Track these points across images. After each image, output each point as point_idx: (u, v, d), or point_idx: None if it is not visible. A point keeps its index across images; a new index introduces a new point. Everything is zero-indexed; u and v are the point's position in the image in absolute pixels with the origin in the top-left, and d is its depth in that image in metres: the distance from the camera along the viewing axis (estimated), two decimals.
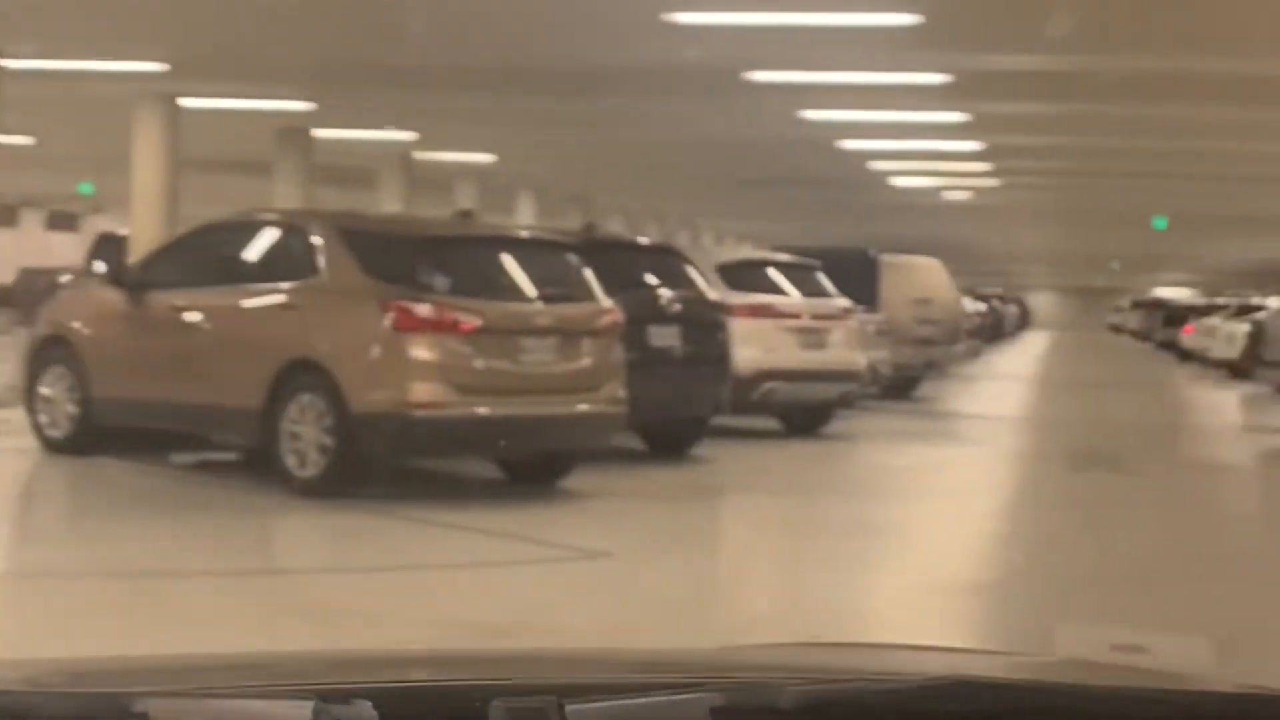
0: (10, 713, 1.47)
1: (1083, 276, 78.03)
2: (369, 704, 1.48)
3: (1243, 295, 43.66)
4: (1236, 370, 30.62)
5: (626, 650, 3.71)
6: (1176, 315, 43.23)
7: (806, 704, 1.56)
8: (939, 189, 31.13)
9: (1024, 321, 65.69)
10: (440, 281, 10.06)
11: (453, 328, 9.76)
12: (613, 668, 2.07)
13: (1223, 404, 25.75)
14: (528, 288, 10.49)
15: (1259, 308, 34.65)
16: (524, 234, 12.59)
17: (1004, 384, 28.96)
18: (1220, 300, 41.85)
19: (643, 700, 1.53)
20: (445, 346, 9.75)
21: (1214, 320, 35.83)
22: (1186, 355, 38.29)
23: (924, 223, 36.55)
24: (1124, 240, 45.04)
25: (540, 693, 1.52)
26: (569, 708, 1.49)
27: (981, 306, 39.61)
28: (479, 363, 9.86)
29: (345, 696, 1.49)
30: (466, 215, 12.92)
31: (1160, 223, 29.62)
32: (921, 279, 22.26)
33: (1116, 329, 67.39)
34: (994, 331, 44.51)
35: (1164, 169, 23.94)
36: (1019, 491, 13.10)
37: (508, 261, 10.66)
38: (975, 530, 10.72)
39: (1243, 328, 31.12)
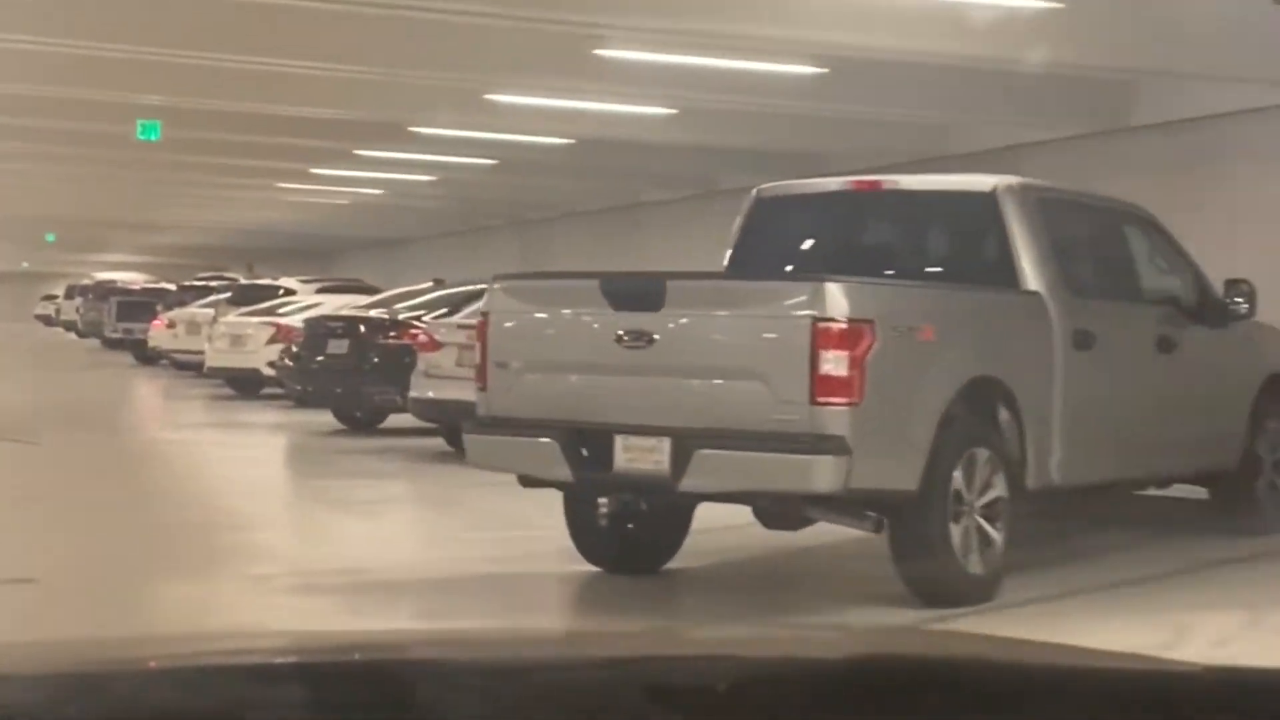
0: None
1: (10, 260, 66.78)
2: (301, 683, 1.45)
3: (226, 277, 33.17)
4: (254, 384, 20.25)
5: (561, 630, 3.26)
6: (139, 304, 32.13)
7: (738, 682, 1.53)
8: None
9: None
10: None
11: None
12: (545, 646, 1.88)
13: (271, 463, 15.08)
14: None
15: (276, 290, 24.07)
16: None
17: None
18: (207, 281, 30.79)
19: (577, 678, 1.51)
20: None
21: (201, 310, 25.16)
22: (154, 357, 27.59)
23: None
24: (70, 201, 34.25)
25: (470, 672, 1.51)
26: (501, 686, 1.47)
27: None
28: None
29: (276, 674, 1.48)
30: None
31: (150, 130, 18.78)
32: None
33: (48, 321, 58.24)
34: None
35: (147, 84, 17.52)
36: None
37: None
38: None
39: (260, 324, 20.59)
